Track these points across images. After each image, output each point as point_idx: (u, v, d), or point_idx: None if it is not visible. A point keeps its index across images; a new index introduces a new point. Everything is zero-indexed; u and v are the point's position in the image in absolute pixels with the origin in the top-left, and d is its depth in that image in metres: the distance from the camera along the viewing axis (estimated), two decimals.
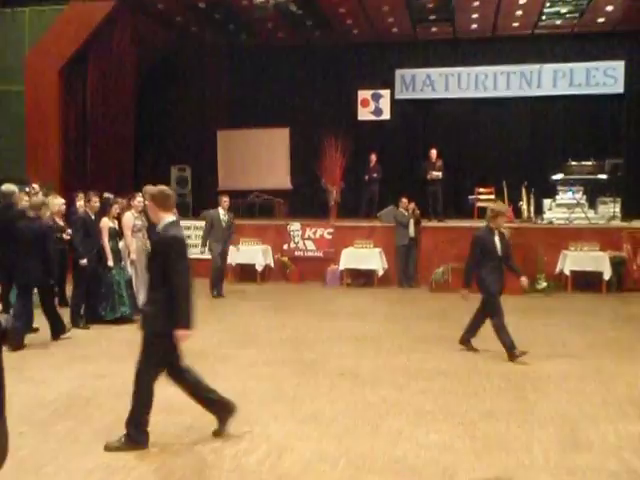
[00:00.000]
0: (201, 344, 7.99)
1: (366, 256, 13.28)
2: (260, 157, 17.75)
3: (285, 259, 14.05)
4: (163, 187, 4.99)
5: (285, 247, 14.19)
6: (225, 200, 12.00)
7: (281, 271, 14.09)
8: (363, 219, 15.00)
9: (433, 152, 14.89)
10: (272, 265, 14.03)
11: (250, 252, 13.75)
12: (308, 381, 6.46)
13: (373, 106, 17.78)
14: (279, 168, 17.76)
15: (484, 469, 4.41)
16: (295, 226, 14.24)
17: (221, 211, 11.90)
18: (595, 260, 12.39)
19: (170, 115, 17.86)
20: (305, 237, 14.11)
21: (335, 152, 14.94)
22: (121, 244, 9.65)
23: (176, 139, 17.95)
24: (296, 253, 14.15)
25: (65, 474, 4.33)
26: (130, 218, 9.68)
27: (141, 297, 9.01)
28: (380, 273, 13.26)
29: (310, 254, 14.04)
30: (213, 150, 18.43)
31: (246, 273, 13.95)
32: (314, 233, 14.07)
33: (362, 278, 13.46)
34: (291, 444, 4.81)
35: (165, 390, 4.87)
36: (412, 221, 13.28)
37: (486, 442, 4.87)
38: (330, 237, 13.96)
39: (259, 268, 13.76)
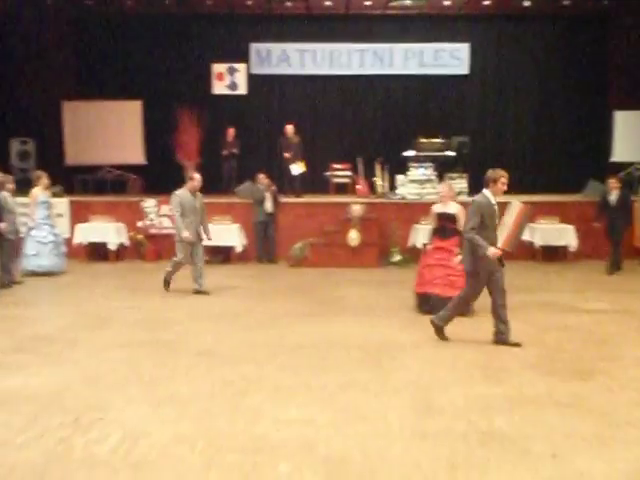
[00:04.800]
0: (48, 328, 7.55)
1: (224, 232, 13.10)
2: (111, 131, 16.91)
3: (140, 237, 13.57)
4: None
5: (140, 224, 13.70)
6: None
7: (136, 249, 13.60)
8: (221, 195, 14.77)
9: (289, 128, 14.92)
10: (126, 243, 13.50)
11: (102, 230, 13.15)
12: (165, 362, 6.26)
13: (229, 80, 17.46)
14: (132, 142, 17.03)
15: (342, 440, 4.47)
16: (150, 203, 13.76)
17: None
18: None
19: (9, 83, 16.57)
20: (161, 214, 13.68)
21: (191, 126, 14.57)
22: None
23: (16, 110, 16.68)
24: (152, 230, 13.70)
25: None
26: None
27: None
28: (239, 249, 13.17)
29: (167, 231, 13.61)
30: (59, 122, 17.33)
31: (98, 252, 13.34)
32: (170, 210, 13.63)
33: (221, 254, 13.28)
34: (147, 429, 4.63)
35: (3, 381, 4.51)
36: (269, 197, 13.26)
37: (345, 413, 4.95)
38: None
39: (112, 247, 13.21)
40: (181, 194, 9.96)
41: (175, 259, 9.99)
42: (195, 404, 5.14)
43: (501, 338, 6.90)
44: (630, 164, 15.78)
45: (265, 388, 5.53)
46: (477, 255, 6.75)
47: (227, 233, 13.14)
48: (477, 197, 6.94)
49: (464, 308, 7.48)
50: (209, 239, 10.34)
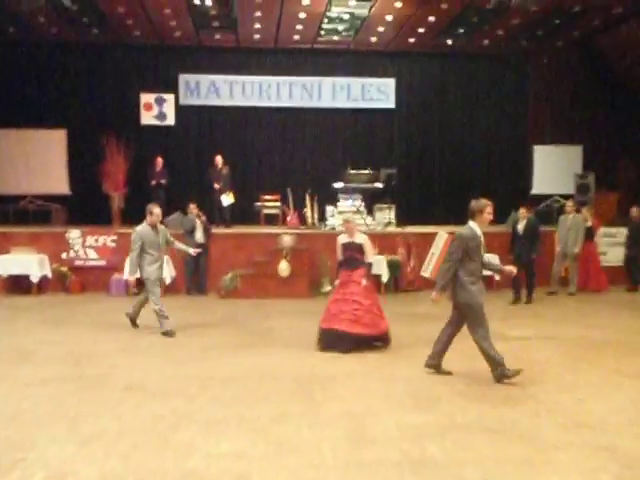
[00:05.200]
0: None
1: None
2: (34, 160, 16.46)
3: (64, 269, 13.14)
4: None
5: (64, 256, 13.28)
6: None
7: (60, 282, 13.15)
8: None
9: (218, 159, 14.91)
10: (49, 275, 13.06)
11: (24, 262, 12.68)
12: (92, 398, 6.04)
13: (157, 110, 17.33)
14: (55, 172, 16.60)
15: (276, 473, 4.41)
16: (75, 233, 13.38)
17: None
18: (374, 264, 13.09)
19: None
20: (86, 245, 13.32)
21: (118, 156, 14.32)
22: None
23: None
24: (76, 262, 13.30)
25: None
26: None
27: None
28: (168, 281, 12.93)
29: (92, 263, 13.29)
30: None
31: (19, 285, 12.85)
32: (96, 241, 13.34)
33: None
34: (72, 468, 4.43)
35: None
36: (200, 227, 13.14)
37: (278, 446, 4.89)
38: (114, 245, 13.32)
39: (34, 279, 12.74)
40: (141, 230, 9.21)
41: (153, 300, 9.12)
42: (123, 441, 4.97)
43: (432, 364, 6.99)
44: (549, 196, 16.46)
45: (196, 422, 5.41)
46: (464, 287, 6.57)
47: None
48: (462, 230, 6.70)
49: (490, 346, 6.67)
50: (194, 254, 10.45)
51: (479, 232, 6.66)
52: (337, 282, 8.29)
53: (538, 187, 17.13)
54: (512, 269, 7.19)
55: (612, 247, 14.31)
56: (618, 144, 17.37)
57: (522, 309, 11.54)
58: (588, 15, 14.80)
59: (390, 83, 18.20)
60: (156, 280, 9.20)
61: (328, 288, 12.89)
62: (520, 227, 12.00)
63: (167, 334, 8.99)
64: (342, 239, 8.35)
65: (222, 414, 5.60)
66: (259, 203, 15.90)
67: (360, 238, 8.30)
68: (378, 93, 18.22)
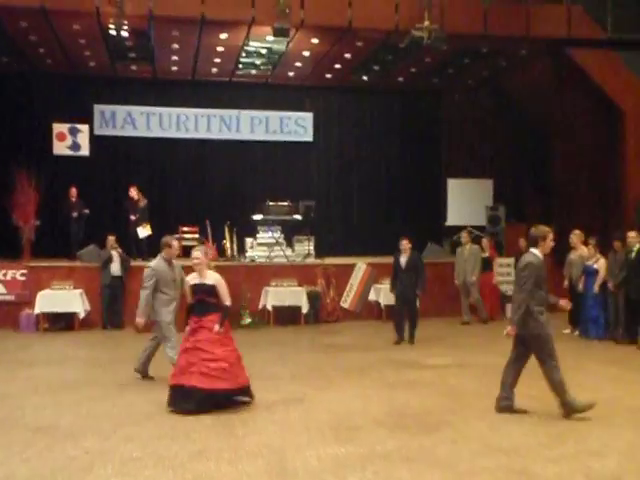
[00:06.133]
0: None
1: (65, 298, 12.46)
2: None
3: None
4: None
5: None
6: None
7: None
8: (62, 259, 14.07)
9: (133, 190, 14.68)
10: None
11: None
12: None
13: (70, 140, 16.88)
14: None
15: None
16: None
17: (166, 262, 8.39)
18: (294, 295, 13.21)
19: None
20: None
21: (28, 187, 13.86)
22: None
23: None
24: None
25: None
26: None
27: None
28: (82, 315, 12.55)
29: (0, 298, 12.73)
30: None
31: None
32: (4, 275, 12.80)
33: (62, 321, 12.58)
34: None
35: None
36: (117, 259, 12.86)
37: None
38: (23, 278, 12.82)
39: None
40: (156, 266, 8.18)
41: (169, 346, 8.11)
42: None
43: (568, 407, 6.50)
44: (463, 227, 16.98)
45: (111, 461, 5.23)
46: (534, 318, 6.40)
47: (68, 299, 12.50)
48: (529, 258, 6.50)
49: (561, 379, 6.44)
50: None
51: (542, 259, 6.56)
52: (187, 329, 7.03)
53: (452, 219, 17.66)
54: (568, 303, 6.97)
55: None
56: (525, 178, 18.19)
57: (442, 338, 11.72)
58: (495, 56, 15.53)
59: (308, 117, 18.45)
60: (171, 323, 8.13)
61: (248, 320, 12.84)
62: (403, 261, 11.04)
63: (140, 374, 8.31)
64: (191, 279, 7.19)
65: (138, 452, 5.44)
66: (177, 235, 15.68)
67: (212, 279, 7.09)
68: (296, 126, 18.43)
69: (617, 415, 6.47)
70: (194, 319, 6.98)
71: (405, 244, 11.04)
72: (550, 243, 6.58)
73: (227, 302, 7.07)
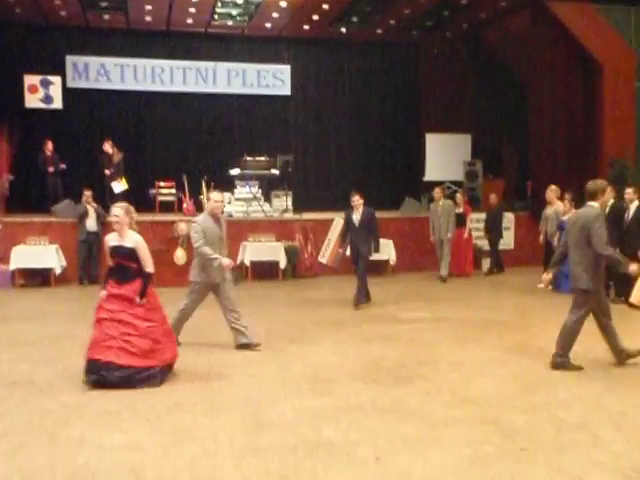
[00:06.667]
0: None
1: (41, 253, 12.37)
2: None
3: None
4: None
5: None
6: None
7: None
8: (37, 214, 13.89)
9: (107, 144, 14.44)
10: None
11: None
12: None
13: (43, 93, 16.51)
14: None
15: (172, 462, 4.37)
16: None
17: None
18: (271, 250, 13.21)
19: None
20: None
21: (1, 141, 13.60)
22: None
23: None
24: None
25: None
26: None
27: None
28: (58, 271, 12.47)
29: None
30: None
31: None
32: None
33: (38, 277, 12.50)
34: None
35: None
36: (93, 214, 12.74)
37: (173, 435, 4.84)
38: None
39: None
40: (203, 221, 7.64)
41: (182, 307, 7.66)
42: (9, 439, 4.76)
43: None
44: (441, 183, 16.99)
45: (88, 415, 5.27)
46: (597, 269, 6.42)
47: (44, 254, 12.40)
48: (592, 211, 6.45)
49: (614, 335, 6.65)
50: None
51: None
52: (102, 294, 6.28)
53: (430, 174, 17.64)
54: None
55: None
56: (503, 133, 18.17)
57: (419, 292, 11.82)
58: (475, 8, 15.34)
59: (286, 70, 18.19)
60: (204, 288, 7.67)
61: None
62: (355, 218, 10.18)
63: (250, 347, 7.55)
64: (110, 240, 6.39)
65: (115, 406, 5.48)
66: (154, 190, 15.53)
67: (131, 241, 6.28)
68: (274, 79, 18.17)
69: (587, 367, 6.61)
70: (111, 283, 6.27)
71: (357, 199, 10.12)
72: (607, 196, 6.70)
73: (148, 269, 6.28)
